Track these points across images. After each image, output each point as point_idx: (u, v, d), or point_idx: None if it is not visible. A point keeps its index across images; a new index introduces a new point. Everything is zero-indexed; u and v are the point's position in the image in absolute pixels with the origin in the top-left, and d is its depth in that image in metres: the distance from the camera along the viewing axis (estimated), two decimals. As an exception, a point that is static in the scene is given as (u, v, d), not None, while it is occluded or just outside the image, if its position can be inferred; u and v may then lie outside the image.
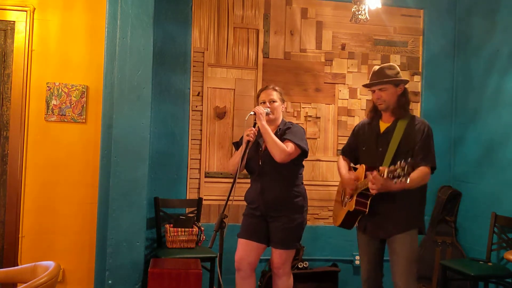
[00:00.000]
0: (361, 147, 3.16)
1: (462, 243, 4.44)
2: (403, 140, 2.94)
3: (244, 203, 3.41)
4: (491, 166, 4.19)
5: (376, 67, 3.10)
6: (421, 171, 2.85)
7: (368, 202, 2.92)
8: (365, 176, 2.90)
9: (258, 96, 3.42)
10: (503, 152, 4.06)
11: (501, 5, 4.19)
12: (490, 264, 3.89)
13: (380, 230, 2.99)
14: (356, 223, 3.11)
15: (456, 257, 4.32)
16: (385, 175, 2.60)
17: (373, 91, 3.06)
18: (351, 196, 3.03)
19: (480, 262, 3.91)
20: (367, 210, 2.92)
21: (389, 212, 2.93)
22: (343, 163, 3.24)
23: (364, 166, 2.99)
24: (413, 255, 2.94)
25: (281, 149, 3.13)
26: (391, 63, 3.15)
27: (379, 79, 3.03)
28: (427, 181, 2.93)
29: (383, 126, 3.07)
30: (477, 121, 4.39)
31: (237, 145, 3.43)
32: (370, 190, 2.80)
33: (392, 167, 2.57)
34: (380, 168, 2.68)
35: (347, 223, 3.12)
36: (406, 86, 3.09)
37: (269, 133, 3.15)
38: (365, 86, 3.19)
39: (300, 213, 3.26)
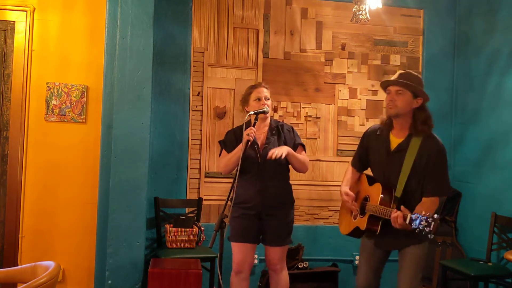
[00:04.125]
0: (371, 159, 3.02)
1: (462, 243, 4.44)
2: (416, 163, 2.77)
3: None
4: (491, 166, 4.19)
5: (402, 71, 2.88)
6: (432, 203, 2.76)
7: (380, 223, 2.83)
8: (382, 197, 2.78)
9: (248, 94, 3.35)
10: (503, 152, 4.06)
11: (501, 5, 4.19)
12: (490, 264, 3.89)
13: (390, 244, 2.91)
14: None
15: (456, 257, 4.32)
16: (407, 222, 2.55)
17: (389, 92, 2.82)
18: (363, 213, 2.94)
19: (480, 262, 3.91)
20: (378, 230, 2.83)
21: (401, 230, 2.78)
22: (347, 177, 3.12)
23: (380, 185, 2.85)
24: (421, 264, 2.86)
25: (307, 163, 3.37)
26: (418, 74, 2.89)
27: (399, 81, 2.79)
28: (438, 206, 2.82)
29: (394, 141, 2.87)
30: (477, 121, 4.39)
31: (224, 144, 3.38)
32: (392, 224, 2.68)
33: (416, 218, 2.50)
34: (405, 212, 2.59)
35: (354, 234, 3.05)
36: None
37: (296, 156, 3.27)
38: (385, 83, 2.90)
39: (292, 208, 3.38)
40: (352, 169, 3.17)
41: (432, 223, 2.43)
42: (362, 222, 2.93)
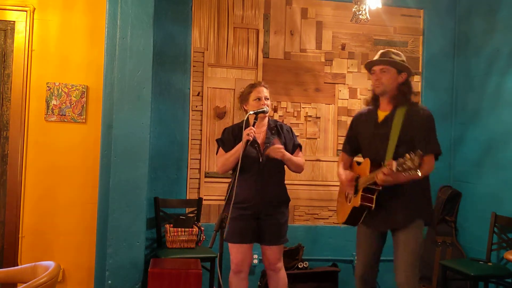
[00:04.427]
0: (360, 139, 3.08)
1: (462, 243, 4.44)
2: (403, 129, 2.83)
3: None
4: (491, 166, 4.19)
5: (382, 50, 2.99)
6: (426, 160, 2.75)
7: (374, 197, 2.83)
8: (371, 171, 2.82)
9: (248, 93, 3.35)
10: (503, 152, 4.06)
11: (501, 5, 4.19)
12: (490, 264, 3.89)
13: (384, 223, 2.92)
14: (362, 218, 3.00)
15: (456, 257, 4.32)
16: (393, 169, 2.56)
17: (374, 72, 2.95)
18: (356, 191, 2.95)
19: (480, 262, 3.91)
20: (373, 205, 2.83)
21: (394, 204, 2.85)
22: (341, 163, 3.19)
23: (368, 160, 2.90)
24: (417, 249, 2.85)
25: (303, 165, 3.39)
26: (398, 51, 3.00)
27: (382, 60, 2.92)
28: (433, 169, 2.84)
29: (381, 115, 2.96)
30: (477, 121, 4.39)
31: (222, 143, 3.37)
32: (379, 182, 2.71)
33: (400, 160, 2.52)
34: (387, 162, 2.64)
35: (352, 219, 3.02)
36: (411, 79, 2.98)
37: (292, 159, 3.28)
38: (368, 64, 3.01)
39: (288, 207, 3.40)
40: (343, 154, 3.22)
41: (416, 158, 2.45)
42: (356, 200, 2.92)
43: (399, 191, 2.82)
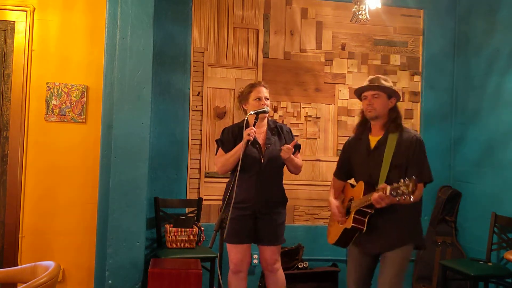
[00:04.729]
0: (353, 164, 3.09)
1: (462, 243, 4.44)
2: (395, 154, 2.87)
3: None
4: (491, 166, 4.19)
5: (371, 76, 3.04)
6: (417, 188, 2.73)
7: (366, 220, 2.85)
8: (364, 194, 2.84)
9: (248, 92, 3.34)
10: (503, 152, 4.06)
11: (501, 5, 4.19)
12: (490, 264, 3.89)
13: (376, 245, 2.93)
14: (352, 240, 3.03)
15: (456, 257, 4.32)
16: (387, 193, 2.59)
17: (365, 98, 2.98)
18: (348, 213, 2.97)
19: (480, 262, 3.91)
20: (365, 228, 2.86)
21: (386, 228, 2.87)
22: (332, 190, 3.18)
23: (362, 183, 2.92)
24: (401, 273, 2.88)
25: (301, 166, 3.41)
26: (386, 76, 3.05)
27: (373, 85, 2.96)
28: (421, 195, 2.85)
29: (373, 140, 2.98)
30: (477, 121, 4.39)
31: (221, 143, 3.36)
32: (373, 202, 2.73)
33: (395, 185, 2.55)
34: (381, 186, 2.66)
35: (342, 241, 3.05)
36: (398, 103, 3.02)
37: (293, 160, 3.29)
38: (359, 90, 3.05)
39: (285, 207, 3.40)
40: (335, 179, 3.22)
41: (410, 184, 2.48)
42: (348, 221, 2.94)
43: (391, 214, 2.83)
